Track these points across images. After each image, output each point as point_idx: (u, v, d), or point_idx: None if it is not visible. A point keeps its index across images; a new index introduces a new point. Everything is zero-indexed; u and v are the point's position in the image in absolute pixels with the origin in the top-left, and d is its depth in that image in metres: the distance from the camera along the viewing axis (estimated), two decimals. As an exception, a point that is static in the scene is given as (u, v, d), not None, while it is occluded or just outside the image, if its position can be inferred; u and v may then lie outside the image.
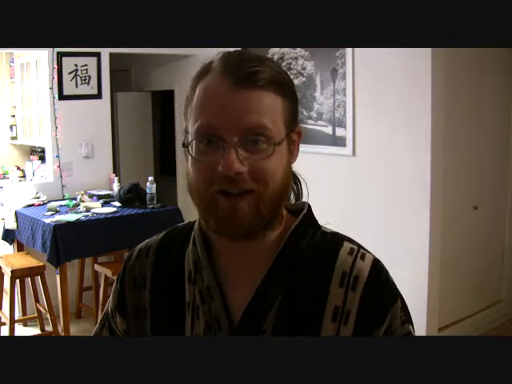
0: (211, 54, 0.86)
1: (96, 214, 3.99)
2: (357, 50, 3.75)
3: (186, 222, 0.99)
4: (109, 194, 4.52)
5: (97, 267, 4.12)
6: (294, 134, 0.88)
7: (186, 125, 0.87)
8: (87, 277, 4.49)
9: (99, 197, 4.44)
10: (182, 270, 0.91)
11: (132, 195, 4.26)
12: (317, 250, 0.88)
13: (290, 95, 0.86)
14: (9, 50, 5.20)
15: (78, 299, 4.47)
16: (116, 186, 4.55)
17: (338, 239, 0.91)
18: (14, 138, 5.91)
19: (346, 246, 0.90)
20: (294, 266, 0.86)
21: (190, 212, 4.84)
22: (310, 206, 0.93)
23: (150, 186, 4.23)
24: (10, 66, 5.82)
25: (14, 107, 5.83)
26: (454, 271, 3.85)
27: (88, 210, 4.05)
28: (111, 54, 4.72)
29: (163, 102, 6.28)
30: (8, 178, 5.57)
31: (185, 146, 0.84)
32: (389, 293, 0.88)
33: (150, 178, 4.29)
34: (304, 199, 0.98)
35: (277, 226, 0.87)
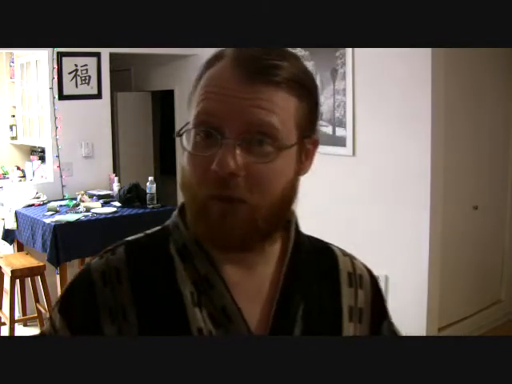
0: (211, 54, 0.85)
1: (96, 214, 3.99)
2: (357, 50, 3.75)
3: (144, 234, 0.85)
4: (109, 194, 4.52)
5: (97, 267, 4.11)
6: (309, 142, 0.79)
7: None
8: (87, 277, 4.48)
9: (99, 197, 4.44)
10: (175, 293, 0.77)
11: (132, 195, 4.26)
12: (317, 256, 0.87)
13: (308, 98, 0.76)
14: (9, 49, 5.20)
15: (77, 299, 4.46)
16: (116, 186, 4.55)
17: (322, 242, 0.91)
18: (13, 138, 5.91)
19: (334, 247, 0.91)
20: (304, 275, 0.83)
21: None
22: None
23: (150, 186, 4.23)
24: (10, 66, 5.82)
25: (14, 107, 5.84)
26: (454, 271, 3.85)
27: (88, 209, 4.05)
28: (111, 54, 4.72)
29: (163, 102, 6.28)
30: (8, 178, 5.57)
31: (179, 135, 0.74)
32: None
33: (150, 178, 4.29)
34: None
35: (277, 237, 0.81)
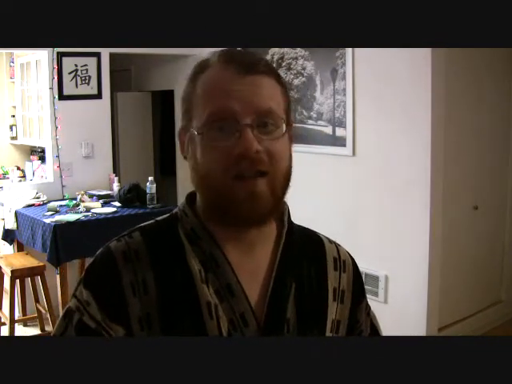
0: (200, 60, 0.87)
1: (96, 213, 3.99)
2: (357, 50, 3.75)
3: (155, 221, 0.95)
4: (109, 194, 4.51)
5: (97, 267, 4.11)
6: (290, 129, 0.89)
7: (184, 124, 0.88)
8: (87, 277, 4.48)
9: (99, 197, 4.44)
10: (185, 271, 0.86)
11: (132, 195, 4.26)
12: (306, 241, 0.97)
13: (285, 86, 0.89)
14: (9, 49, 5.20)
15: (77, 299, 4.46)
16: (116, 186, 4.55)
17: (311, 230, 1.01)
18: (13, 138, 5.91)
19: (320, 235, 1.01)
20: (296, 257, 0.93)
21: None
22: None
23: (150, 186, 4.23)
24: (10, 66, 5.82)
25: (14, 107, 5.84)
26: (454, 271, 3.85)
27: (88, 209, 4.05)
28: (111, 54, 4.72)
29: (163, 102, 6.28)
30: (8, 178, 5.57)
31: (200, 133, 0.83)
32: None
33: (150, 178, 4.29)
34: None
35: (273, 220, 0.91)
